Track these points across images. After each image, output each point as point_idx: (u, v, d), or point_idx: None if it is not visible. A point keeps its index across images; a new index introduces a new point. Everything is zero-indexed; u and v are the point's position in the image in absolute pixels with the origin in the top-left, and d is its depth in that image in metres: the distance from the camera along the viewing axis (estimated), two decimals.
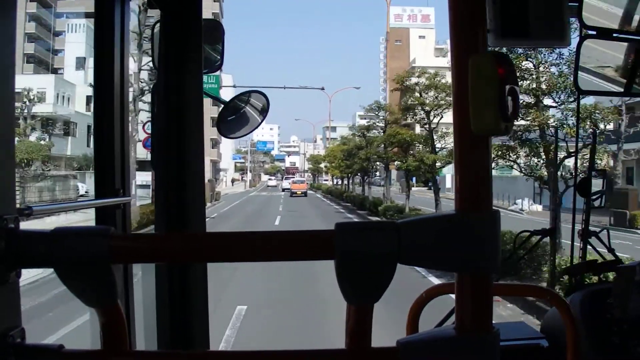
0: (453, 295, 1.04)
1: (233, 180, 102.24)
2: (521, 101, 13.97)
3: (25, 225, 1.10)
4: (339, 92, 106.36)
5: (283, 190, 78.41)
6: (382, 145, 34.82)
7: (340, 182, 63.77)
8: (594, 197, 3.11)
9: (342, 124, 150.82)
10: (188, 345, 2.31)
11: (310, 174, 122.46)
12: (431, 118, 26.21)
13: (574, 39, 2.25)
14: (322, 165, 78.36)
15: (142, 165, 28.94)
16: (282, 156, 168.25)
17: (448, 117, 23.05)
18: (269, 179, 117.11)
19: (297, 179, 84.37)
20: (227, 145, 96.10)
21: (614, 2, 2.52)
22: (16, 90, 1.23)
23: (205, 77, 2.50)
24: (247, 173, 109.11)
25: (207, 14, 2.64)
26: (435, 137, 26.35)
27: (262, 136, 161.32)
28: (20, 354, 1.04)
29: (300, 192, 63.30)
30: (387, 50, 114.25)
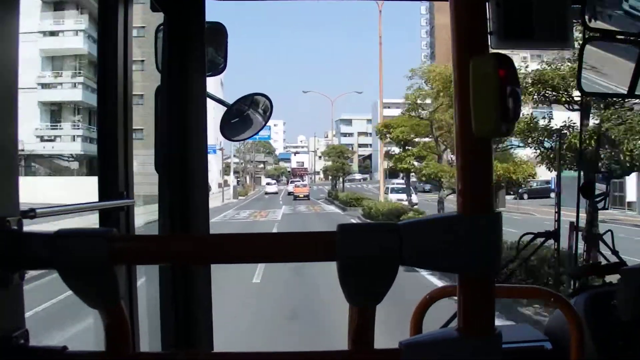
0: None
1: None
2: None
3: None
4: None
5: (289, 194, 70.71)
6: None
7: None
8: (597, 199, 3.11)
9: (359, 117, 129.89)
10: (192, 346, 2.30)
11: (322, 177, 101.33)
12: None
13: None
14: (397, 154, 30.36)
15: None
16: (287, 155, 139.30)
17: None
18: (267, 184, 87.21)
19: (299, 183, 73.59)
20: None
21: (617, 3, 2.52)
22: None
23: None
24: (231, 175, 74.40)
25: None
26: None
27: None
28: (24, 355, 1.04)
29: (302, 196, 63.09)
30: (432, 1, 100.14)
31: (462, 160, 0.98)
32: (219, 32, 2.56)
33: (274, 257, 1.03)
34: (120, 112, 2.09)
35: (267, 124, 2.76)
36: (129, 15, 2.15)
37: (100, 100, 2.12)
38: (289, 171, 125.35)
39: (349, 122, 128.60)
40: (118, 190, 2.07)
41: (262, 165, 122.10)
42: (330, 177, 74.85)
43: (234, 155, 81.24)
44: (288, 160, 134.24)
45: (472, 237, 0.96)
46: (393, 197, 38.15)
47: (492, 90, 0.92)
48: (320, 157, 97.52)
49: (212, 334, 2.38)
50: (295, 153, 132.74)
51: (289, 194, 71.02)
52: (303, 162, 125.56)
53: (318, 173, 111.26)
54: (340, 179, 68.23)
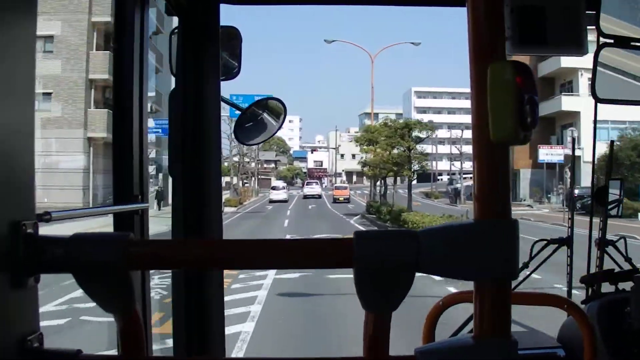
0: (469, 303, 1.03)
1: None
2: None
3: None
4: None
5: (304, 197, 65.04)
6: None
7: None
8: (612, 205, 3.09)
9: (388, 110, 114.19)
10: (204, 351, 2.31)
11: (344, 179, 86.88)
12: None
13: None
14: None
15: None
16: (303, 153, 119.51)
17: None
18: (273, 188, 66.41)
19: (339, 185, 67.11)
20: None
21: (632, 9, 2.51)
22: None
23: None
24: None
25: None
26: None
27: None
28: (39, 358, 1.05)
29: (342, 199, 58.42)
30: None
31: (479, 166, 0.98)
32: (233, 35, 2.57)
33: (290, 264, 1.03)
34: (135, 115, 2.09)
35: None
36: (145, 19, 2.15)
37: (115, 103, 2.12)
38: (304, 172, 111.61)
39: (375, 115, 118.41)
40: (132, 194, 2.07)
41: (273, 165, 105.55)
42: (372, 180, 46.92)
43: (238, 153, 64.14)
44: (304, 159, 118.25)
45: (488, 243, 0.96)
46: None
47: (510, 96, 0.92)
48: (342, 155, 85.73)
49: (224, 339, 2.38)
50: (313, 150, 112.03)
51: (305, 197, 65.10)
52: (322, 162, 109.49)
53: (340, 174, 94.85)
54: (399, 183, 39.01)
